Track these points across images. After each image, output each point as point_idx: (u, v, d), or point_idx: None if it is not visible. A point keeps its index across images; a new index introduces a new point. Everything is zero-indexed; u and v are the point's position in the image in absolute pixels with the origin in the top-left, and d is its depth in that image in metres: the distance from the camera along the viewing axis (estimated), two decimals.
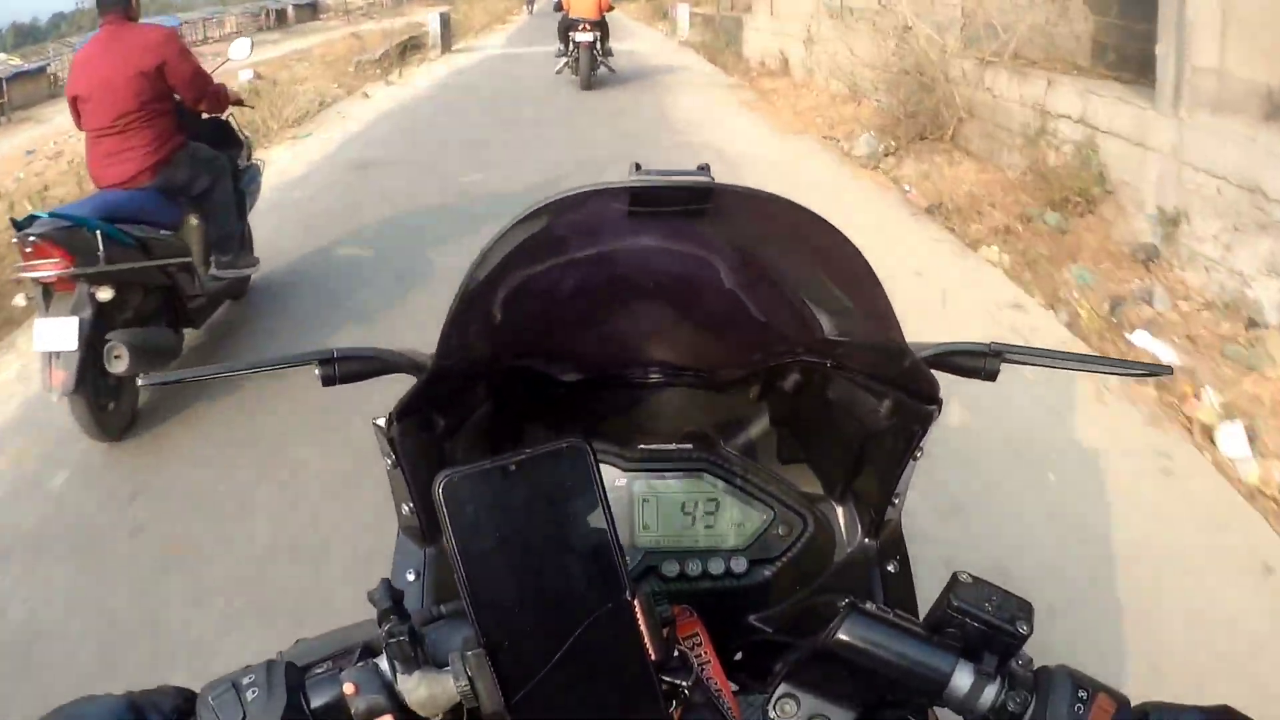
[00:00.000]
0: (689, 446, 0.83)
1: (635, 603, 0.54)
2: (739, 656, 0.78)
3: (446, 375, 0.69)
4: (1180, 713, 0.54)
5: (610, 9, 10.29)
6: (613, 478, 0.80)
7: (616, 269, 0.69)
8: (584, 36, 9.86)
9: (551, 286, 0.69)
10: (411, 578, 0.77)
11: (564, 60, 10.50)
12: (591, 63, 10.00)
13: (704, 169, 0.66)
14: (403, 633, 0.53)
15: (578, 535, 0.54)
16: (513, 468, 0.54)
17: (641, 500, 0.81)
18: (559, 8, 10.92)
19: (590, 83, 10.01)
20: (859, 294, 0.64)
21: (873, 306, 0.64)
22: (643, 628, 0.54)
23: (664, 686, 0.57)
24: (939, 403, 0.69)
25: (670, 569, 0.79)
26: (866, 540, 0.81)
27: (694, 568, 0.79)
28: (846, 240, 0.59)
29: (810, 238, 0.60)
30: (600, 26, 9.98)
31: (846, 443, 0.79)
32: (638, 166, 0.64)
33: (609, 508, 0.55)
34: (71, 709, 0.51)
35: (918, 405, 0.70)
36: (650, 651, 0.54)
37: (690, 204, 0.59)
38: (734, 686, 0.67)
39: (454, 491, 0.53)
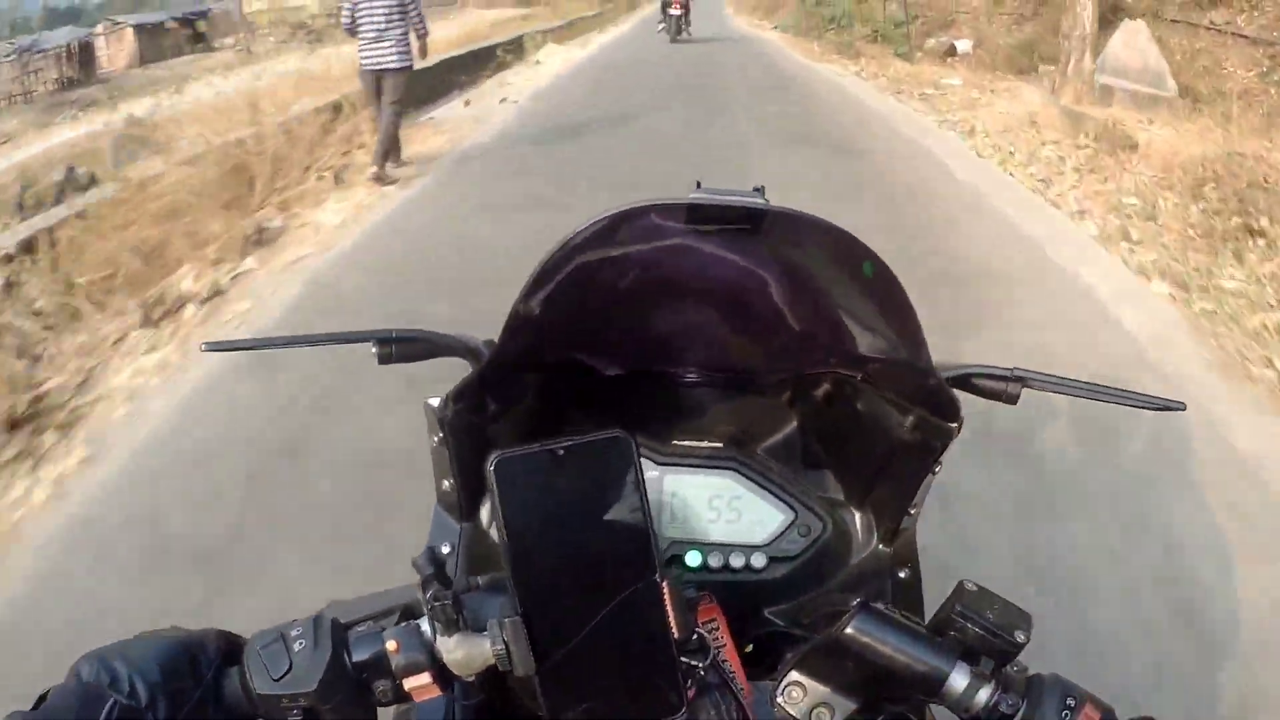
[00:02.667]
0: (719, 445, 0.86)
1: (664, 584, 0.58)
2: (751, 648, 0.82)
3: (503, 364, 0.74)
4: None
5: None
6: (645, 470, 0.83)
7: (669, 275, 0.72)
8: (675, 11, 17.00)
9: (607, 288, 0.73)
10: (446, 550, 0.82)
11: (662, 25, 17.68)
12: (678, 27, 17.00)
13: (759, 190, 0.69)
14: (446, 597, 0.58)
15: (616, 519, 0.58)
16: (561, 452, 0.58)
17: (671, 494, 0.84)
18: None
19: (675, 39, 16.92)
20: (894, 318, 0.67)
21: (906, 331, 0.66)
22: (669, 607, 0.58)
23: (682, 666, 0.61)
24: (960, 421, 0.71)
25: (693, 560, 0.83)
26: (881, 547, 0.83)
27: (715, 560, 0.83)
28: (887, 269, 0.62)
29: (855, 262, 0.63)
30: (685, 6, 16.99)
31: (869, 453, 0.82)
32: (699, 185, 0.68)
33: (646, 495, 0.59)
34: (123, 645, 0.55)
35: (939, 423, 0.73)
36: (674, 630, 0.58)
37: (744, 223, 0.62)
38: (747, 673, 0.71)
39: (505, 471, 0.57)
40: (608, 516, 0.58)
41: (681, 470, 0.84)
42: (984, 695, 0.59)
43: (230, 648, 0.59)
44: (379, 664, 0.58)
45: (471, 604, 0.60)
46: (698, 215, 0.62)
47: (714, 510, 0.84)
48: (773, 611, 0.84)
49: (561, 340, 0.80)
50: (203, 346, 0.82)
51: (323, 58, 12.19)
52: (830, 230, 0.61)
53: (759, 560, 0.83)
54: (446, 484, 0.81)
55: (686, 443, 0.86)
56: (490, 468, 0.57)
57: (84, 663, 0.53)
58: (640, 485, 0.59)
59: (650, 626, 0.58)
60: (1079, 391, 0.79)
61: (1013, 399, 0.77)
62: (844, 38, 15.43)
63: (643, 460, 0.83)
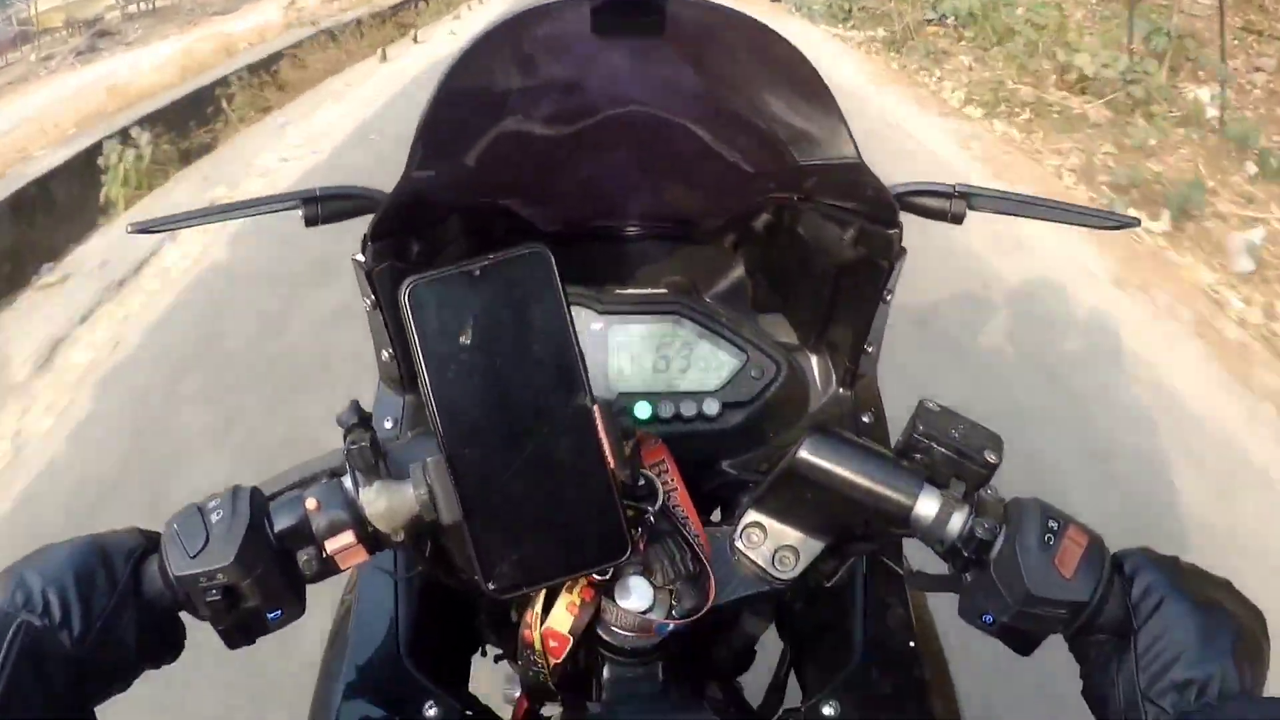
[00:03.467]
0: (664, 291, 0.83)
1: (595, 409, 0.54)
2: (717, 514, 0.80)
3: (420, 195, 0.68)
4: (1161, 563, 0.54)
5: None
6: (588, 321, 0.81)
7: (586, 99, 0.67)
8: None
9: (523, 115, 0.68)
10: (389, 425, 0.79)
11: None
12: None
13: None
14: (364, 440, 0.54)
15: (540, 342, 0.54)
16: (477, 273, 0.54)
17: (616, 343, 0.81)
18: None
19: None
20: (813, 108, 0.62)
21: (826, 120, 0.62)
22: (602, 434, 0.54)
23: (629, 512, 0.57)
24: (899, 227, 0.68)
25: (643, 411, 0.80)
26: (841, 390, 0.81)
27: (666, 410, 0.80)
28: (795, 50, 0.57)
29: (762, 50, 0.59)
30: None
31: (818, 285, 0.78)
32: None
33: (571, 313, 0.55)
34: (38, 556, 0.52)
35: (880, 231, 0.69)
36: (610, 458, 0.54)
37: (647, 15, 0.57)
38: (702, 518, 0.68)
39: (419, 297, 0.53)
40: (531, 339, 0.54)
41: (626, 319, 0.81)
42: (958, 522, 0.55)
43: (148, 543, 0.56)
44: (302, 531, 0.54)
45: (396, 453, 0.56)
46: (600, 10, 0.56)
47: (662, 359, 0.81)
48: (731, 463, 0.81)
49: (483, 181, 0.74)
50: (129, 228, 0.77)
51: (48, 98, 7.76)
52: (735, 15, 0.56)
53: (712, 407, 0.80)
54: (386, 354, 0.77)
55: (630, 291, 0.82)
56: (403, 295, 0.53)
57: None
58: (564, 303, 0.54)
59: (585, 458, 0.54)
60: (1028, 210, 0.75)
61: (958, 218, 0.73)
62: (998, 77, 6.02)
63: (585, 310, 0.81)
